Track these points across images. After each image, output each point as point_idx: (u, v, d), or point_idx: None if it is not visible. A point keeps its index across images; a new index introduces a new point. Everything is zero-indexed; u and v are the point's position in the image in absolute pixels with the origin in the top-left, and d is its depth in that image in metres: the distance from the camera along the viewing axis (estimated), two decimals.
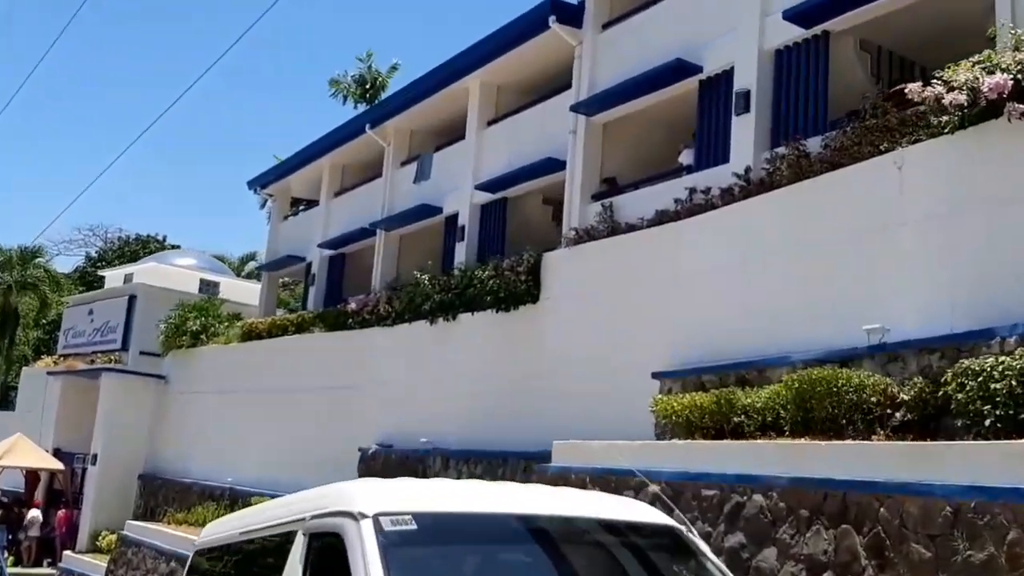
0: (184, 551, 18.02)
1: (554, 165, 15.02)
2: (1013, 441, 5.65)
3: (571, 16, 15.01)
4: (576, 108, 14.51)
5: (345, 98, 29.88)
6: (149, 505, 23.52)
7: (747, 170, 11.37)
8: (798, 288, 10.12)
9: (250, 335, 22.55)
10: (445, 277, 16.65)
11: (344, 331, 19.15)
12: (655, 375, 11.33)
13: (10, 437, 24.59)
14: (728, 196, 11.50)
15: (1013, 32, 8.16)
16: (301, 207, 26.33)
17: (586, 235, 13.89)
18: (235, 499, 20.22)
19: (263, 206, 30.09)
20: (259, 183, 25.86)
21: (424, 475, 15.34)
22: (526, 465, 13.16)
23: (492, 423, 14.56)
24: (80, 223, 52.93)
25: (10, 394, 41.20)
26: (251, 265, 38.57)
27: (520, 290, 14.41)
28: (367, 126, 20.42)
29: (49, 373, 28.03)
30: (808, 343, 9.51)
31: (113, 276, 32.02)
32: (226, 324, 24.46)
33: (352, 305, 18.97)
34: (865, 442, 6.92)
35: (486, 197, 17.02)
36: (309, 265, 23.20)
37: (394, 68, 29.90)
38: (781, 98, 11.64)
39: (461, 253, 17.11)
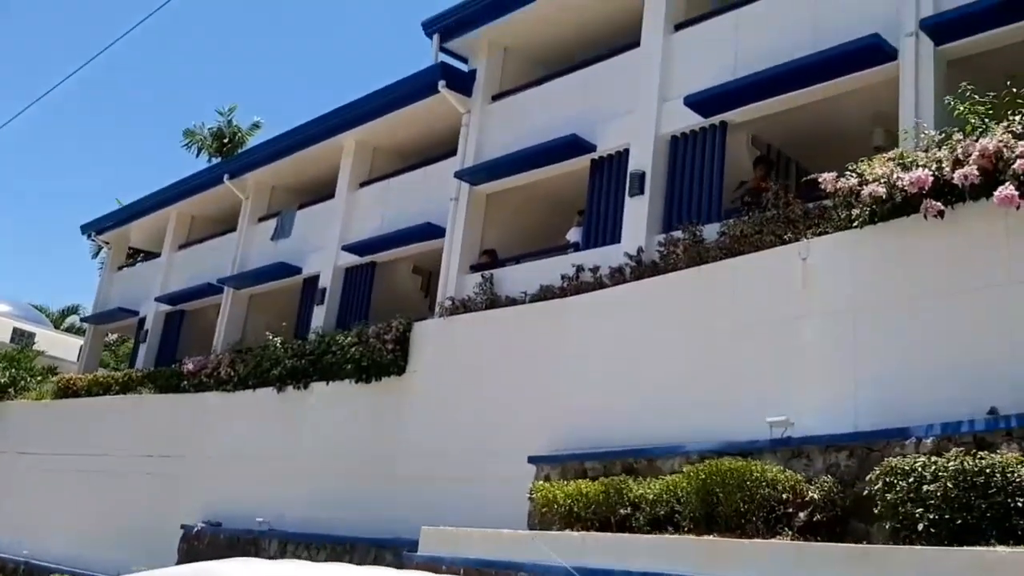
0: None
1: (431, 231, 14.30)
2: (973, 548, 5.20)
3: (461, 83, 14.57)
4: (461, 175, 13.92)
5: (199, 150, 28.27)
6: None
7: (639, 251, 11.03)
8: (693, 376, 9.69)
9: (67, 392, 20.22)
10: (300, 342, 15.41)
11: (177, 394, 17.37)
12: (532, 459, 10.55)
13: None
14: (619, 276, 11.09)
15: (926, 133, 8.20)
16: (139, 258, 24.32)
17: (462, 307, 13.15)
18: (31, 575, 17.68)
19: (96, 255, 27.71)
20: (94, 228, 23.72)
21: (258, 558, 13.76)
22: (376, 553, 12.01)
23: (341, 505, 13.29)
24: None
25: None
26: (72, 319, 35.38)
27: (386, 360, 13.41)
28: (225, 176, 19.11)
29: None
30: (703, 433, 9.03)
31: None
32: (39, 378, 21.92)
33: (189, 366, 17.28)
34: (801, 543, 6.35)
35: (352, 260, 16.03)
36: (142, 320, 21.21)
37: (256, 126, 28.67)
38: (675, 183, 11.47)
39: (320, 318, 15.94)
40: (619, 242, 11.54)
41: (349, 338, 14.01)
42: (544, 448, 10.75)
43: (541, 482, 9.90)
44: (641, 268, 10.93)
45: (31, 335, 26.09)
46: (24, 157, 71.19)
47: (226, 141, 28.03)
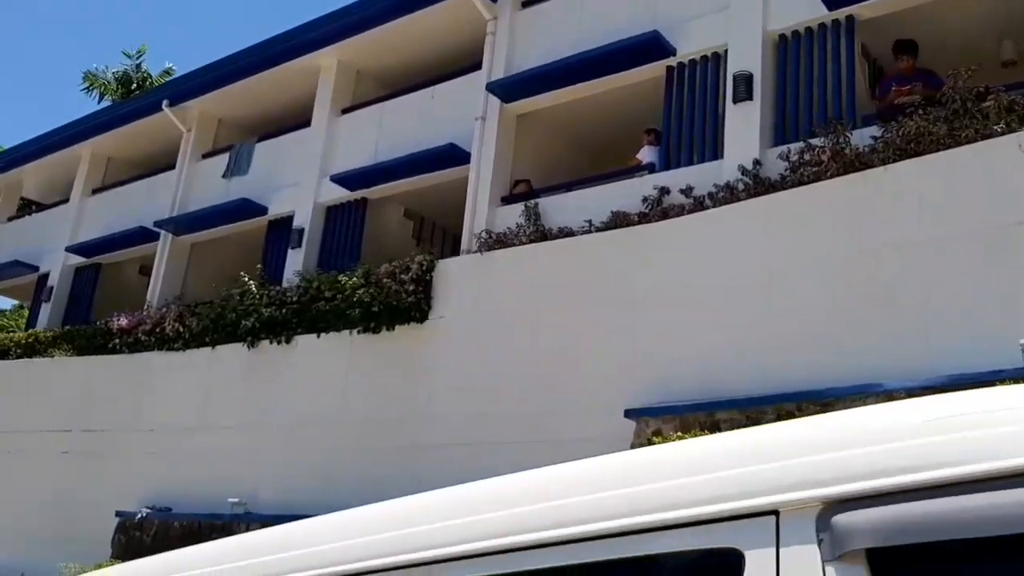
0: None
1: (449, 156, 12.00)
2: None
3: None
4: (492, 88, 11.71)
5: (102, 95, 24.60)
6: None
7: (756, 163, 9.17)
8: (854, 302, 7.90)
9: None
10: (277, 288, 12.77)
11: (104, 356, 14.29)
12: (631, 413, 8.52)
13: None
14: (726, 195, 9.20)
15: None
16: (32, 210, 20.69)
17: (498, 242, 10.95)
18: None
19: None
20: None
21: None
22: None
23: (336, 481, 10.83)
24: None
25: None
26: None
27: (404, 304, 11.03)
28: (165, 103, 16.07)
29: None
30: (878, 371, 7.26)
31: None
32: None
33: (121, 322, 14.24)
34: None
35: (337, 196, 13.49)
36: (44, 277, 17.78)
37: (168, 73, 25.21)
38: (787, 88, 9.68)
39: (296, 263, 13.31)
40: (719, 157, 9.66)
41: (354, 279, 11.53)
42: (630, 401, 8.76)
43: (659, 440, 7.88)
44: (759, 183, 9.07)
45: None
46: None
47: (134, 87, 24.52)
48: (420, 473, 10.06)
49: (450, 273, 11.11)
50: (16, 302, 24.45)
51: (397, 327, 11.21)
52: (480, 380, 10.34)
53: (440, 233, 14.30)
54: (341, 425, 11.39)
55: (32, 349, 15.32)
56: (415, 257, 11.20)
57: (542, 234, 10.62)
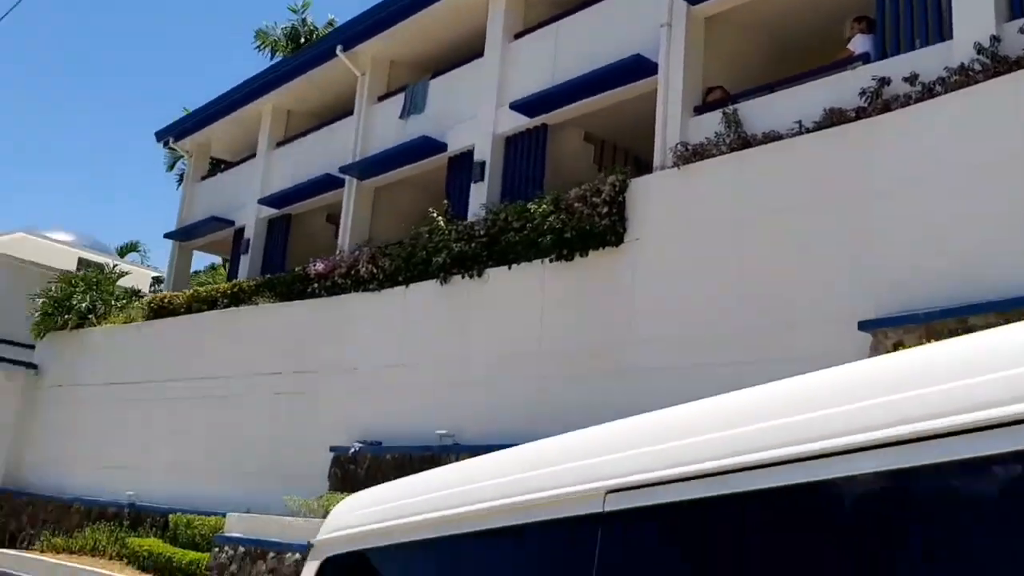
0: None
1: (636, 67, 11.39)
2: None
3: None
4: None
5: (273, 52, 25.34)
6: (9, 528, 18.00)
7: (994, 40, 8.10)
8: None
9: (161, 311, 17.68)
10: (464, 223, 12.69)
11: (307, 300, 14.76)
12: (867, 325, 7.84)
13: None
14: (961, 79, 8.20)
15: None
16: (221, 169, 21.62)
17: (694, 154, 10.32)
18: (139, 519, 15.31)
19: (171, 167, 25.07)
20: (171, 134, 21.02)
21: None
22: None
23: (537, 411, 10.68)
24: None
25: None
26: (132, 256, 32.94)
27: (597, 228, 10.65)
28: (339, 48, 16.22)
29: None
30: None
31: None
32: (124, 302, 19.41)
33: (318, 267, 14.63)
34: None
35: (515, 124, 13.20)
36: (240, 231, 18.57)
37: (330, 24, 25.63)
38: None
39: (480, 196, 13.17)
40: (947, 38, 8.63)
41: (543, 206, 11.24)
42: (863, 311, 8.06)
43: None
44: (998, 63, 8.02)
45: (100, 267, 23.50)
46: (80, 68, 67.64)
47: (302, 41, 25.09)
48: (629, 399, 9.76)
49: (645, 192, 10.61)
50: (210, 263, 25.81)
51: (591, 252, 10.87)
52: (685, 301, 9.87)
53: (622, 156, 13.77)
54: (541, 355, 11.23)
55: (237, 298, 16.03)
56: (607, 178, 10.76)
57: (744, 141, 9.93)
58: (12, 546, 16.89)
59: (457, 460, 9.96)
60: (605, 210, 10.58)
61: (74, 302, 18.83)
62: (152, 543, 13.49)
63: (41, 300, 19.26)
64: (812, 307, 8.64)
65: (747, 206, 9.55)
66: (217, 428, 15.39)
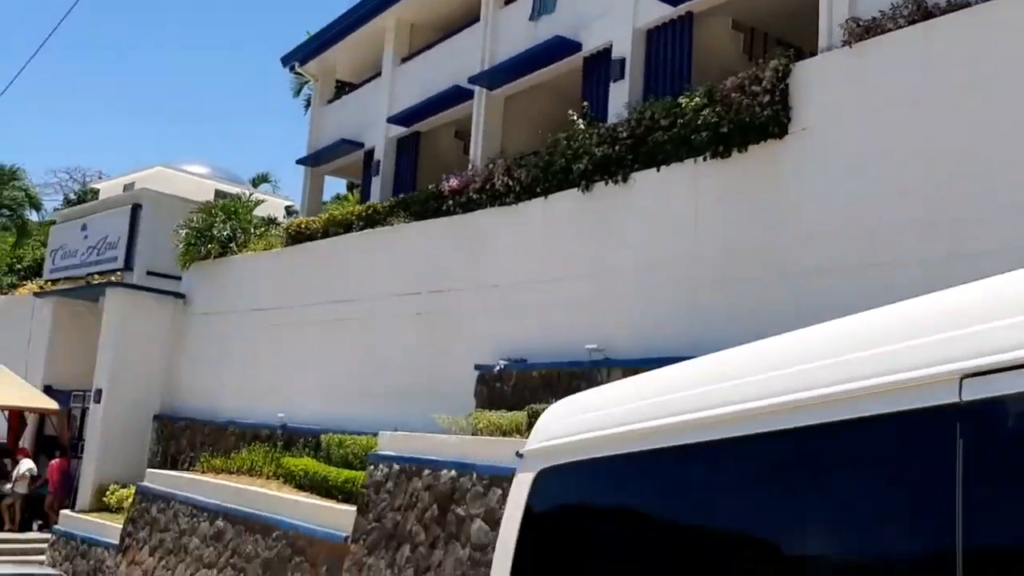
0: (235, 505, 13.45)
1: None
2: None
3: None
4: None
5: None
6: (169, 452, 18.80)
7: None
8: None
9: (299, 237, 17.76)
10: (604, 125, 11.94)
11: (441, 218, 14.41)
12: None
13: None
14: None
15: None
16: (346, 91, 21.39)
17: (866, 31, 9.21)
18: (291, 440, 15.61)
19: (297, 92, 25.15)
20: (297, 58, 20.90)
21: None
22: None
23: (701, 324, 10.00)
24: (56, 165, 47.78)
25: None
26: (264, 187, 33.59)
27: (758, 119, 9.74)
28: None
29: (36, 295, 23.10)
30: None
31: (110, 188, 27.00)
32: (262, 229, 19.63)
33: (452, 183, 14.21)
34: None
35: (657, 17, 12.26)
36: (369, 153, 18.36)
37: None
38: None
39: (620, 96, 12.36)
40: None
41: (695, 100, 10.37)
42: None
43: None
44: None
45: (236, 197, 23.87)
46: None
47: None
48: (793, 302, 9.00)
49: (812, 76, 9.60)
50: (336, 193, 25.86)
51: (750, 147, 9.98)
52: (859, 194, 8.93)
53: (774, 45, 12.63)
54: (695, 260, 10.51)
55: (372, 220, 15.86)
56: (766, 64, 9.77)
57: (926, 12, 8.76)
58: (174, 468, 17.61)
59: (608, 377, 9.41)
60: (767, 99, 9.65)
61: (215, 231, 19.16)
62: (306, 463, 13.67)
63: (184, 231, 19.68)
64: (1015, 193, 7.59)
65: (934, 84, 8.46)
66: (360, 350, 15.40)
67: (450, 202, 14.16)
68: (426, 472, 10.24)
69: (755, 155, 9.95)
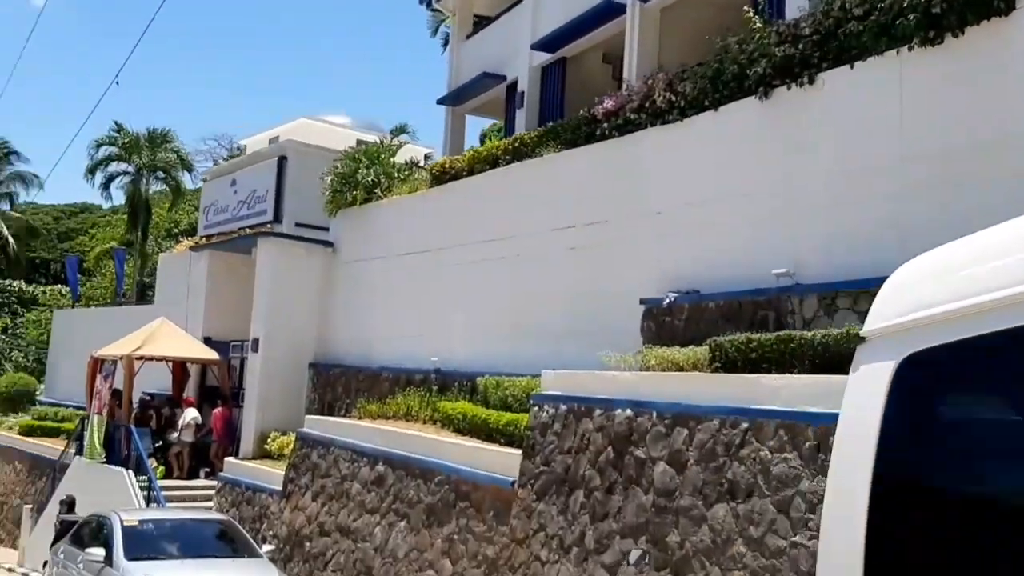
0: (395, 450, 13.06)
1: None
2: None
3: None
4: None
5: None
6: (325, 399, 18.78)
7: None
8: None
9: (443, 177, 17.15)
10: (786, 24, 10.57)
11: (595, 144, 13.40)
12: None
13: (151, 323, 20.23)
14: None
15: None
16: (484, 25, 20.52)
17: None
18: (445, 384, 15.13)
19: (435, 31, 24.54)
20: None
21: (779, 324, 9.62)
22: None
23: (913, 238, 8.63)
24: (206, 133, 49.35)
25: (147, 293, 37.93)
26: (402, 138, 33.22)
27: None
28: None
29: (192, 249, 23.61)
30: None
31: (256, 142, 27.28)
32: (405, 173, 19.16)
33: (607, 104, 13.15)
34: None
35: None
36: (512, 86, 17.48)
37: None
38: None
39: None
40: None
41: None
42: None
43: None
44: None
45: (377, 143, 23.55)
46: None
47: None
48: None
49: None
50: (470, 147, 24.98)
51: (968, 29, 8.47)
52: None
53: None
54: (902, 165, 9.12)
55: (519, 153, 15.01)
56: None
57: None
58: (330, 415, 17.53)
59: (801, 305, 8.10)
60: None
61: (359, 177, 18.80)
62: (464, 406, 13.13)
63: (330, 177, 19.44)
64: None
65: None
66: (512, 289, 14.69)
67: (604, 126, 13.12)
68: (597, 412, 9.41)
69: (976, 38, 8.44)
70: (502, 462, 10.75)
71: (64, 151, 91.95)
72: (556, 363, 11.96)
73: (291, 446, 17.50)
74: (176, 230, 43.54)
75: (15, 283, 47.02)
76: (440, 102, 19.57)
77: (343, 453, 14.10)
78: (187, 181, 37.94)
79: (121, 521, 11.32)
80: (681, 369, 9.33)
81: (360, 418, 15.45)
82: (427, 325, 16.58)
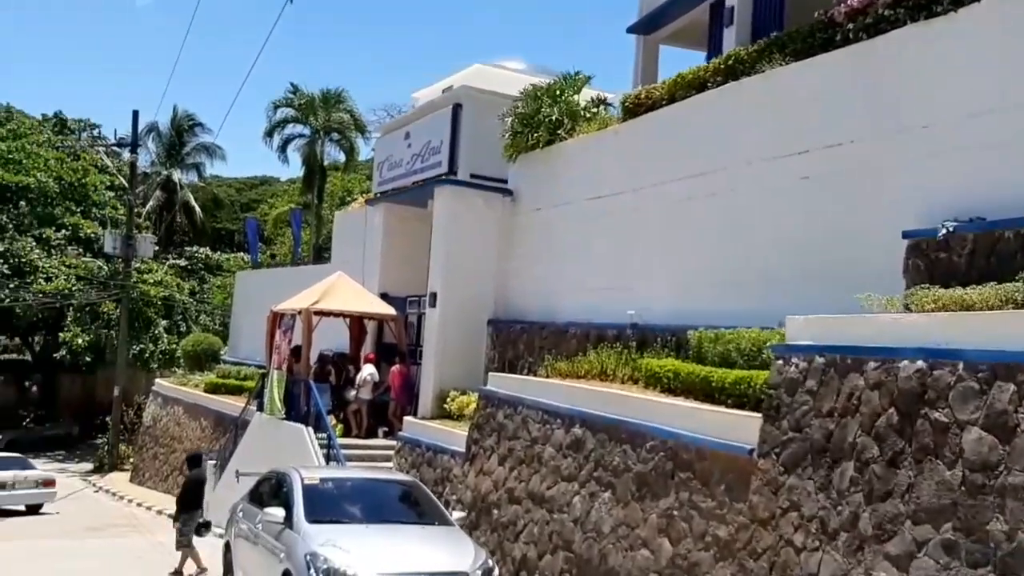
0: (595, 411, 11.44)
1: None
2: None
3: None
4: None
5: None
6: (506, 357, 17.47)
7: None
8: None
9: (637, 111, 15.31)
10: None
11: (835, 51, 11.21)
12: None
13: (328, 277, 19.56)
14: None
15: None
16: None
17: None
18: (644, 339, 13.40)
19: None
20: None
21: None
22: None
23: None
24: (375, 103, 49.39)
25: (323, 255, 38.17)
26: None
27: None
28: None
29: (368, 203, 22.90)
30: None
31: (428, 94, 26.20)
32: (592, 111, 17.46)
33: (851, 2, 10.90)
34: None
35: None
36: (716, 4, 15.35)
37: None
38: None
39: None
40: None
41: None
42: None
43: None
44: None
45: (562, 78, 21.88)
46: None
47: None
48: None
49: None
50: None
51: None
52: None
53: None
54: None
55: (733, 72, 12.97)
56: None
57: None
58: (512, 373, 16.20)
59: None
60: None
61: (542, 115, 17.24)
62: (672, 363, 11.36)
63: (510, 119, 18.00)
64: None
65: None
66: (726, 230, 12.74)
67: (849, 27, 10.89)
68: (872, 365, 7.43)
69: None
70: (733, 425, 8.94)
71: (232, 104, 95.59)
72: (783, 312, 10.03)
73: (472, 406, 16.33)
74: (349, 198, 43.87)
75: (202, 250, 48.99)
76: (631, 30, 17.68)
77: (533, 413, 12.67)
78: (360, 145, 37.79)
79: (302, 479, 10.28)
80: (967, 309, 7.23)
81: (547, 377, 13.98)
82: (621, 275, 14.89)
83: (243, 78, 49.36)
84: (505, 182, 18.84)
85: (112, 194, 43.13)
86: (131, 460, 32.53)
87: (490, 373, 15.09)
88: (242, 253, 48.48)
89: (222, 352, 33.35)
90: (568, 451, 11.54)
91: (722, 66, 13.24)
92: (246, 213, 60.96)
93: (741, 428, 8.79)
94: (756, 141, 12.25)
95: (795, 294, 10.78)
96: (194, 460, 15.61)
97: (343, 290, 18.73)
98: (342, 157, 38.66)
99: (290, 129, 35.88)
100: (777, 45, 12.23)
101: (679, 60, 19.28)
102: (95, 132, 51.50)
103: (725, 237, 12.65)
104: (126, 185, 35.96)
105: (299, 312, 18.07)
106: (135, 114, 33.40)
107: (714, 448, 9.03)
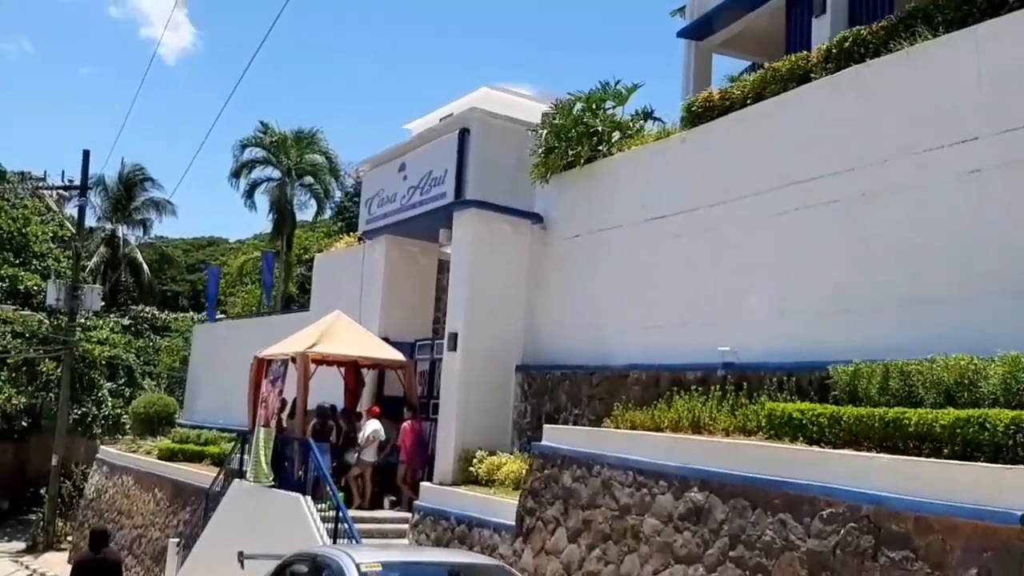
0: (720, 468, 8.79)
1: None
2: None
3: None
4: None
5: None
6: (542, 410, 14.70)
7: None
8: None
9: (703, 115, 13.03)
10: None
11: (1009, 14, 9.03)
12: None
13: (326, 317, 16.71)
14: None
15: None
16: None
17: None
18: (740, 381, 10.81)
19: None
20: None
21: None
22: None
23: None
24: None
25: (291, 305, 35.13)
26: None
27: None
28: None
29: (365, 236, 20.19)
30: None
31: (423, 124, 23.74)
32: (639, 124, 15.17)
33: None
34: None
35: None
36: None
37: None
38: None
39: None
40: None
41: None
42: None
43: None
44: None
45: (603, 86, 19.54)
46: None
47: None
48: None
49: None
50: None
51: None
52: None
53: None
54: None
55: (849, 56, 10.74)
56: None
57: None
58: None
59: None
60: None
61: (586, 126, 14.88)
62: (815, 406, 8.80)
63: (544, 131, 15.61)
64: None
65: None
66: (857, 244, 10.33)
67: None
68: None
69: None
70: (981, 483, 6.38)
71: (192, 161, 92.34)
72: (955, 340, 7.69)
73: (505, 468, 13.63)
74: (306, 256, 41.08)
75: (148, 309, 45.75)
76: (681, 35, 15.53)
77: (619, 475, 9.98)
78: (334, 189, 35.09)
79: (357, 567, 7.35)
80: None
81: (618, 428, 11.30)
82: (699, 307, 12.38)
83: (204, 132, 46.34)
84: (522, 213, 16.33)
85: (55, 245, 39.79)
86: (70, 538, 28.80)
87: (546, 425, 12.34)
88: (192, 313, 45.34)
89: (177, 415, 29.97)
90: (683, 523, 8.84)
91: (834, 50, 11.01)
92: (193, 275, 57.79)
93: (996, 486, 6.24)
94: (894, 132, 9.96)
95: (953, 317, 8.49)
96: (98, 538, 11.32)
97: (344, 332, 15.90)
98: (312, 205, 35.94)
99: (259, 172, 33.13)
100: (923, 16, 10.03)
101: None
102: (39, 182, 48.16)
103: (857, 252, 10.25)
104: (72, 231, 32.70)
105: (293, 358, 15.16)
106: (86, 154, 30.57)
107: (949, 515, 6.45)
